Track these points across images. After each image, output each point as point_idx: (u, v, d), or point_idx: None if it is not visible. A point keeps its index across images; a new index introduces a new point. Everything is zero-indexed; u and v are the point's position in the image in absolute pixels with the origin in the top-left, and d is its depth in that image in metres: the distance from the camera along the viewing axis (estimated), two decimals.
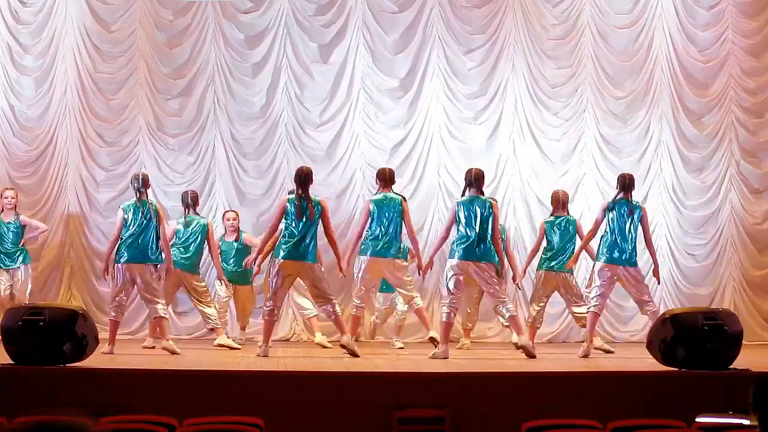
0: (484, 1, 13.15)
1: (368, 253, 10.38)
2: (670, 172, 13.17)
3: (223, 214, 12.18)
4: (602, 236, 10.35)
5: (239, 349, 10.80)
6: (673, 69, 13.23)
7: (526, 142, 13.09)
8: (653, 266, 10.48)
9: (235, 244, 11.81)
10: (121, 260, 10.15)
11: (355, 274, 10.58)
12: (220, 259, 11.59)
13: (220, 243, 11.80)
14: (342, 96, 13.03)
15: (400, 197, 10.50)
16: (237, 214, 12.03)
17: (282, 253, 9.78)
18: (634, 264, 10.26)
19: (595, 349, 10.56)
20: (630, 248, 10.21)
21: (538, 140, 13.10)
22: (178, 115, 12.99)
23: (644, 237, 10.33)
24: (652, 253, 10.51)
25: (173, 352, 9.98)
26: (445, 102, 13.08)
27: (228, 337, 11.18)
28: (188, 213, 11.18)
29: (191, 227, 11.14)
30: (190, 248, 11.09)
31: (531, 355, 9.86)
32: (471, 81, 13.12)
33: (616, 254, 10.20)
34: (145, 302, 10.41)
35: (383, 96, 13.09)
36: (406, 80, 13.09)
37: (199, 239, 11.15)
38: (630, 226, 10.22)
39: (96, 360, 8.39)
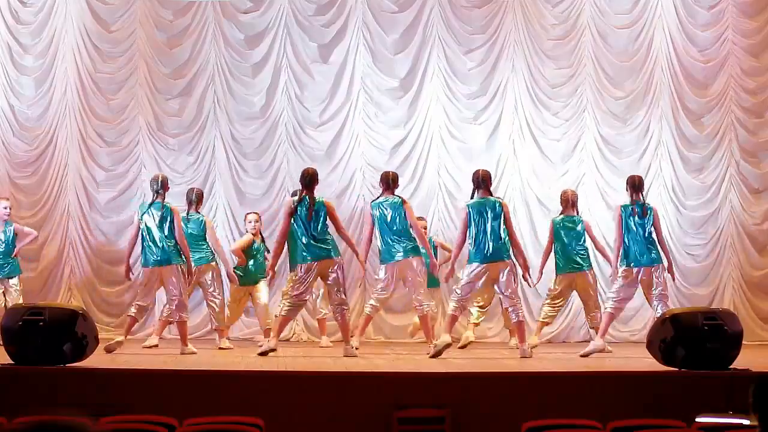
0: (484, 1, 13.16)
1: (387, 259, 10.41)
2: (669, 172, 13.17)
3: (245, 216, 11.95)
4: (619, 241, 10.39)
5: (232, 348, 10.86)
6: (673, 69, 13.23)
7: (526, 142, 13.09)
8: (666, 264, 10.51)
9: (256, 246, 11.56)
10: (147, 264, 10.25)
11: (382, 280, 10.48)
12: (226, 257, 11.56)
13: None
14: (342, 96, 13.04)
15: (400, 198, 10.54)
16: (259, 216, 11.75)
17: (306, 256, 9.82)
18: (659, 262, 10.27)
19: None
20: (645, 248, 10.25)
21: (537, 140, 13.10)
22: (178, 115, 13.00)
23: (657, 237, 10.35)
24: (666, 252, 10.53)
25: (192, 353, 10.19)
26: (445, 102, 13.09)
27: (229, 341, 11.21)
28: (190, 210, 11.14)
29: (189, 223, 11.06)
30: (197, 243, 11.01)
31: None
32: (471, 81, 13.12)
33: (634, 256, 10.26)
34: (170, 302, 10.51)
35: (383, 96, 13.10)
36: (406, 80, 13.09)
37: (199, 234, 11.10)
38: (644, 227, 10.26)
39: (96, 360, 8.39)
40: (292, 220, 9.88)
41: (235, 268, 11.40)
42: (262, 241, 11.59)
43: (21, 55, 12.91)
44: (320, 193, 10.57)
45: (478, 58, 13.14)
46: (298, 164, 12.71)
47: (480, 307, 11.19)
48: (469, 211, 9.98)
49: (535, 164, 13.08)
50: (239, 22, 13.10)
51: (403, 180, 12.68)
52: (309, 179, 10.03)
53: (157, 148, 12.94)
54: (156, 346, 10.85)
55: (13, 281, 11.43)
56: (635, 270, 10.23)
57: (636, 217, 10.29)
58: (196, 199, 11.22)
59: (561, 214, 11.21)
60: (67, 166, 12.86)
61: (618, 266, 10.39)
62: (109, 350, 9.74)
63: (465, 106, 13.11)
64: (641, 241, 10.23)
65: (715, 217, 13.21)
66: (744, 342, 8.68)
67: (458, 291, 10.00)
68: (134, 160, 12.92)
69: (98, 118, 12.93)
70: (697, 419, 6.17)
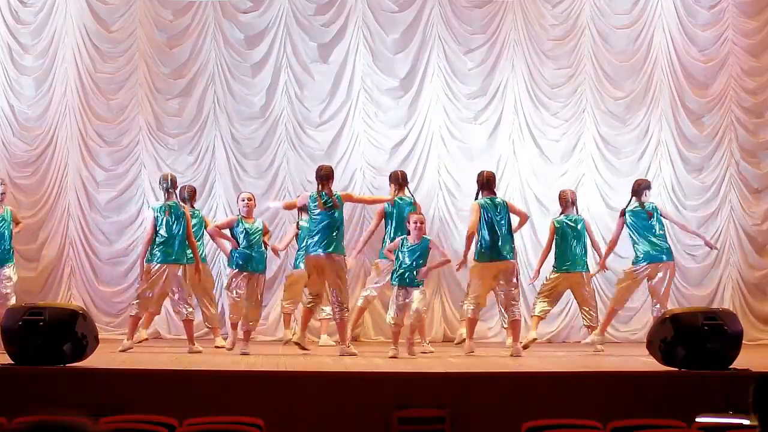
0: (484, 1, 13.15)
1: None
2: (669, 172, 13.16)
3: (238, 196, 11.83)
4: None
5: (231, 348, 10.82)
6: (673, 69, 13.22)
7: (526, 142, 13.09)
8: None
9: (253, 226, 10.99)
10: (155, 260, 10.33)
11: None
12: (225, 246, 11.58)
13: (235, 226, 11.49)
14: (342, 96, 13.03)
15: (412, 200, 11.01)
16: (252, 195, 11.27)
17: (310, 249, 10.14)
18: (671, 259, 11.25)
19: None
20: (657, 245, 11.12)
21: (537, 140, 13.10)
22: (178, 115, 13.00)
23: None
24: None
25: (197, 352, 10.38)
26: (445, 102, 13.08)
27: (225, 339, 11.23)
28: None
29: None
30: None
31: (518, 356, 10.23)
32: (471, 81, 13.12)
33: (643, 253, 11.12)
34: (178, 302, 10.63)
35: (383, 96, 13.09)
36: (406, 80, 13.09)
37: (197, 231, 11.13)
38: (654, 226, 11.13)
39: (96, 360, 8.39)
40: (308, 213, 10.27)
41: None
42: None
43: (21, 55, 12.90)
44: None
45: (478, 58, 13.13)
46: (298, 164, 12.74)
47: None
48: (481, 211, 10.32)
49: (534, 164, 13.08)
50: (239, 21, 13.09)
51: None
52: (323, 174, 10.31)
53: (157, 148, 12.93)
54: (146, 339, 10.97)
55: (6, 272, 10.97)
56: (646, 267, 11.19)
57: (643, 218, 11.15)
58: (188, 196, 11.28)
59: (561, 214, 11.31)
60: (67, 166, 12.85)
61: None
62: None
63: (465, 106, 13.10)
64: (646, 238, 11.11)
65: (715, 218, 13.20)
66: (743, 342, 8.69)
67: (469, 291, 10.45)
68: (134, 160, 12.91)
69: (98, 118, 12.92)
70: (697, 419, 6.17)
